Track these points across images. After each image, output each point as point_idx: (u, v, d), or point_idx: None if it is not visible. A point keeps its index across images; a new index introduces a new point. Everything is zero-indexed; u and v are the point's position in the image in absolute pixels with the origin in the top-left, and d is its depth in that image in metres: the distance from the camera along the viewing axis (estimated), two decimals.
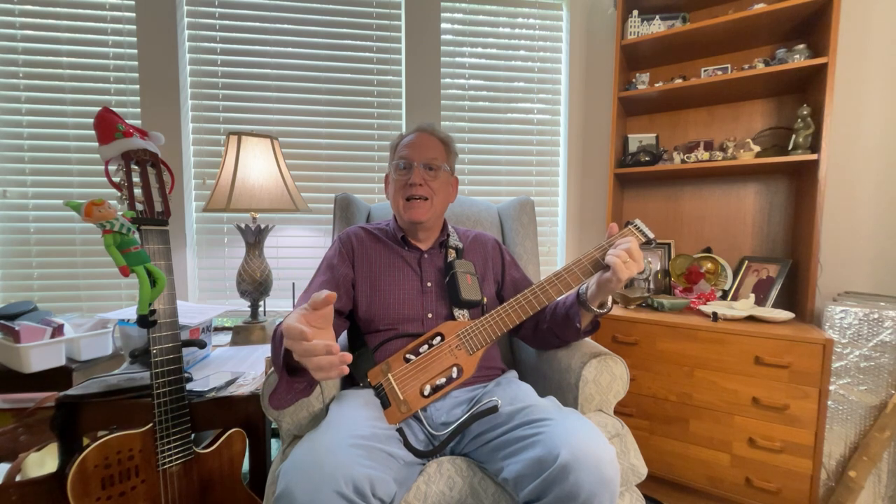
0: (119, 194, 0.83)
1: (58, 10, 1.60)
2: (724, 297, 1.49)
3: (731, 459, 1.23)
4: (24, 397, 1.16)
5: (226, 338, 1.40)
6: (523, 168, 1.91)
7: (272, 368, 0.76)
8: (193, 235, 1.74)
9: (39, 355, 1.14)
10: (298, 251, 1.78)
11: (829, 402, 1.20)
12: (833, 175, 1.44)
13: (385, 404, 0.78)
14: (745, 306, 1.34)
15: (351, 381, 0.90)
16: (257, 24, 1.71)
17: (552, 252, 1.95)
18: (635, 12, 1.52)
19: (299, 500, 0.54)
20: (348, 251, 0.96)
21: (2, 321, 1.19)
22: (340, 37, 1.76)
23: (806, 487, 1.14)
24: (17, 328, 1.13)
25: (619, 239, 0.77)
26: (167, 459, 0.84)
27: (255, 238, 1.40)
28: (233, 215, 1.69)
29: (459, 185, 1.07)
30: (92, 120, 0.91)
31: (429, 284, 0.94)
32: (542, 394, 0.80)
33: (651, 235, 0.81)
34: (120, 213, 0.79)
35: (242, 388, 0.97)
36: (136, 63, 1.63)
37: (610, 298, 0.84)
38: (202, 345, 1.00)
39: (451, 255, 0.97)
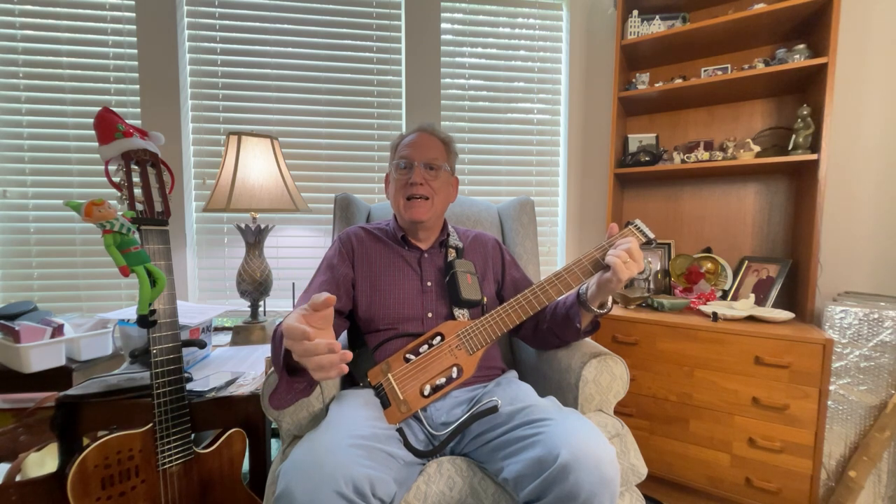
0: (119, 194, 0.83)
1: (58, 10, 1.60)
2: (724, 297, 1.49)
3: (731, 459, 1.23)
4: (24, 397, 1.16)
5: (226, 338, 1.40)
6: (523, 168, 1.91)
7: (272, 368, 0.76)
8: (193, 235, 1.74)
9: (39, 355, 1.14)
10: (298, 251, 1.78)
11: (829, 402, 1.20)
12: (833, 175, 1.44)
13: (385, 404, 0.78)
14: (745, 306, 1.34)
15: (351, 381, 0.90)
16: (257, 24, 1.71)
17: (552, 252, 1.95)
18: (635, 12, 1.52)
19: (299, 500, 0.54)
20: (348, 251, 0.96)
21: (2, 321, 1.19)
22: (340, 37, 1.76)
23: (806, 487, 1.14)
24: (17, 328, 1.13)
25: (620, 239, 0.78)
26: (167, 459, 0.84)
27: (255, 238, 1.40)
28: (233, 215, 1.69)
29: (459, 185, 1.07)
30: (92, 120, 0.91)
31: (429, 284, 0.94)
32: (542, 394, 0.80)
33: (651, 236, 0.81)
34: (120, 213, 0.79)
35: (242, 388, 0.97)
36: (136, 63, 1.63)
37: (610, 298, 0.84)
38: (202, 345, 1.00)
39: (452, 254, 0.97)
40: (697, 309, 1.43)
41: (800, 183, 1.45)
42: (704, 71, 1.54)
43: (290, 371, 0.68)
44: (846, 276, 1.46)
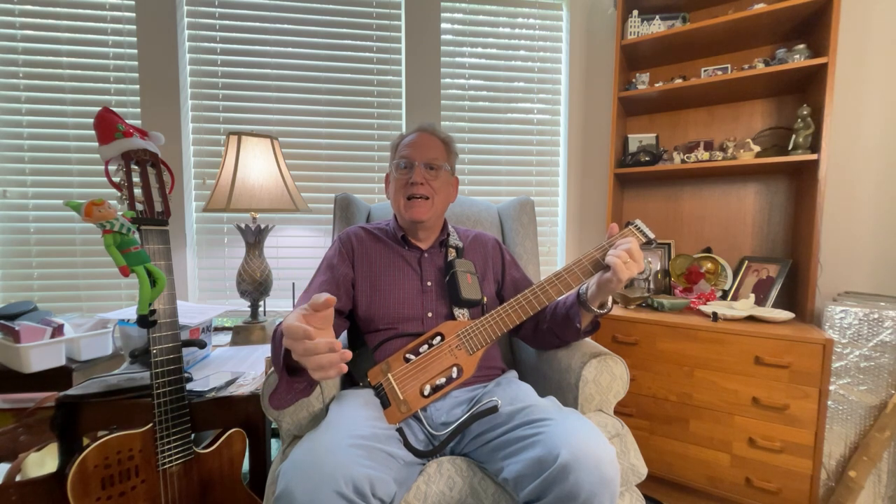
0: (119, 194, 0.83)
1: (58, 10, 1.60)
2: (724, 297, 1.49)
3: (731, 459, 1.23)
4: (24, 397, 1.16)
5: (226, 338, 1.40)
6: (523, 168, 1.91)
7: (272, 368, 0.76)
8: (193, 235, 1.74)
9: (39, 355, 1.14)
10: (298, 251, 1.78)
11: (829, 402, 1.20)
12: (833, 175, 1.44)
13: (385, 404, 0.78)
14: (745, 306, 1.34)
15: (351, 381, 0.90)
16: (257, 24, 1.71)
17: (552, 252, 1.95)
18: (635, 12, 1.52)
19: (299, 500, 0.54)
20: (348, 251, 0.96)
21: (2, 321, 1.19)
22: (340, 37, 1.76)
23: (806, 487, 1.14)
24: (17, 328, 1.13)
25: (620, 239, 0.77)
26: (167, 459, 0.84)
27: (255, 238, 1.40)
28: (233, 215, 1.69)
29: (459, 185, 1.07)
30: (92, 120, 0.91)
31: (429, 284, 0.94)
32: (542, 394, 0.80)
33: (651, 236, 0.81)
34: (120, 213, 0.79)
35: (242, 388, 0.97)
36: (136, 63, 1.63)
37: (610, 298, 0.84)
38: (202, 345, 1.00)
39: (452, 254, 0.97)
40: (697, 309, 1.43)
41: (800, 183, 1.45)
42: (704, 71, 1.54)
43: (289, 371, 0.68)
44: (846, 276, 1.46)
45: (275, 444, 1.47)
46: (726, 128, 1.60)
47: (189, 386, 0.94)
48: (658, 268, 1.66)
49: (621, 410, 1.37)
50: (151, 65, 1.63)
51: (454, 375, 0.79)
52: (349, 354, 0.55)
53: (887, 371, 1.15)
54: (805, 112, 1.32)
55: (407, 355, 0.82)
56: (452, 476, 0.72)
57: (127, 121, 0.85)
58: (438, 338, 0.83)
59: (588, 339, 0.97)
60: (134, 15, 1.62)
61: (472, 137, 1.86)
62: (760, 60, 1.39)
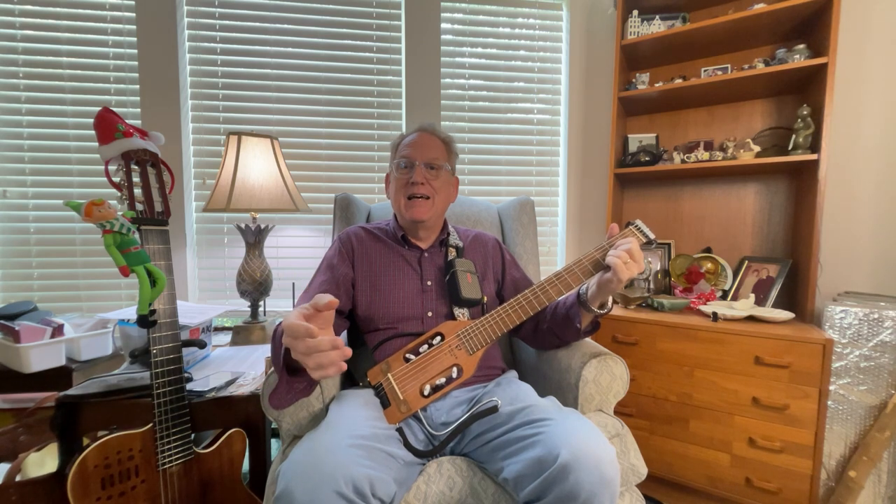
0: (119, 194, 0.83)
1: (58, 10, 1.60)
2: (724, 297, 1.49)
3: (731, 459, 1.23)
4: (24, 397, 1.16)
5: (226, 338, 1.40)
6: (523, 168, 1.91)
7: (272, 368, 0.76)
8: (193, 235, 1.74)
9: (39, 355, 1.14)
10: (298, 251, 1.78)
11: (829, 402, 1.20)
12: (833, 175, 1.44)
13: (385, 404, 0.78)
14: (745, 306, 1.34)
15: (351, 381, 0.90)
16: (257, 24, 1.71)
17: (552, 252, 1.95)
18: (635, 12, 1.52)
19: (299, 500, 0.54)
20: (348, 251, 0.96)
21: (2, 321, 1.19)
22: (340, 37, 1.76)
23: (806, 487, 1.14)
24: (17, 328, 1.13)
25: (620, 239, 0.77)
26: (167, 459, 0.84)
27: (255, 238, 1.40)
28: (233, 215, 1.69)
29: (459, 185, 1.07)
30: (92, 120, 0.91)
31: (429, 283, 0.94)
32: (542, 394, 0.80)
33: (652, 236, 0.81)
34: (120, 213, 0.79)
35: (242, 388, 0.97)
36: (136, 63, 1.63)
37: (610, 299, 0.84)
38: (202, 345, 1.00)
39: (452, 253, 0.98)
40: (697, 309, 1.43)
41: (800, 183, 1.45)
42: (704, 71, 1.54)
43: (289, 371, 0.68)
44: (846, 276, 1.46)
45: (275, 444, 1.47)
46: (726, 128, 1.60)
47: (189, 386, 0.94)
48: (658, 268, 1.66)
49: (621, 410, 1.37)
50: (151, 65, 1.63)
51: (454, 375, 0.79)
52: (349, 352, 0.56)
53: (887, 371, 1.15)
54: (805, 112, 1.32)
55: (407, 355, 0.82)
56: (452, 476, 0.72)
57: (127, 121, 0.86)
58: (438, 338, 0.83)
59: (588, 339, 0.97)
60: (134, 15, 1.62)
61: (472, 137, 1.86)
62: (760, 60, 1.39)
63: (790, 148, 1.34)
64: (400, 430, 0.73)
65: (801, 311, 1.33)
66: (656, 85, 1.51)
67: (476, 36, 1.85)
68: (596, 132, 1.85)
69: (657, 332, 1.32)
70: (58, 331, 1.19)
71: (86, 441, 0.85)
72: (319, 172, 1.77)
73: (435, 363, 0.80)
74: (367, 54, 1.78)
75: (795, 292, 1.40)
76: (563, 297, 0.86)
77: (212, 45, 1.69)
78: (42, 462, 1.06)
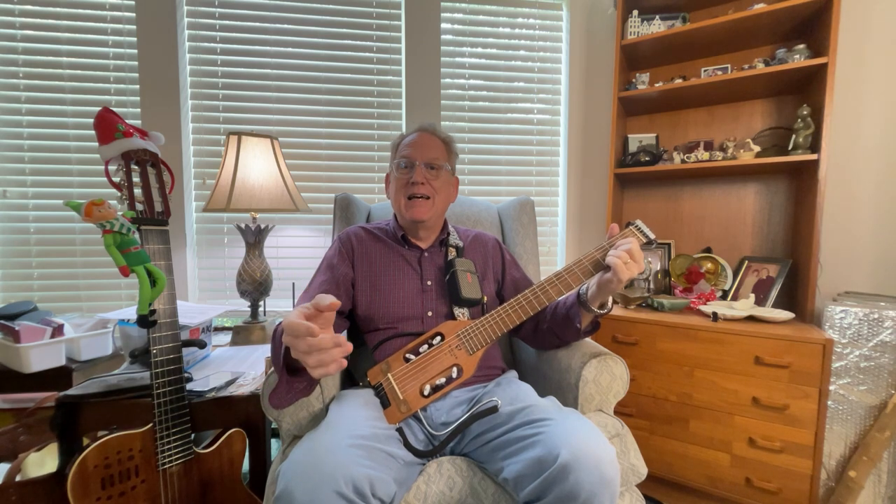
0: (119, 194, 0.83)
1: (58, 10, 1.60)
2: (724, 297, 1.49)
3: (731, 459, 1.23)
4: (24, 397, 1.16)
5: (226, 338, 1.40)
6: (523, 168, 1.91)
7: (272, 368, 0.76)
8: (193, 235, 1.74)
9: (39, 355, 1.14)
10: (298, 251, 1.78)
11: (829, 402, 1.20)
12: (833, 175, 1.44)
13: (385, 404, 0.78)
14: (745, 306, 1.34)
15: (351, 381, 0.90)
16: (257, 24, 1.71)
17: (552, 252, 1.95)
18: (635, 12, 1.52)
19: (299, 500, 0.54)
20: (348, 251, 0.97)
21: (2, 321, 1.19)
22: (340, 37, 1.76)
23: (806, 487, 1.14)
24: (17, 328, 1.13)
25: (620, 239, 0.77)
26: (167, 459, 0.84)
27: (255, 238, 1.40)
28: (233, 215, 1.69)
29: (459, 185, 1.07)
30: (92, 120, 0.91)
31: (429, 283, 0.94)
32: (542, 394, 0.80)
33: (652, 236, 0.81)
34: (120, 213, 0.79)
35: (242, 388, 0.97)
36: (136, 63, 1.63)
37: (610, 299, 0.84)
38: (202, 345, 1.00)
39: (452, 253, 0.98)
40: (697, 309, 1.43)
41: (800, 183, 1.45)
42: (704, 71, 1.54)
43: (290, 371, 0.68)
44: (846, 276, 1.46)
45: (275, 444, 1.47)
46: (726, 128, 1.60)
47: (189, 386, 0.94)
48: (658, 268, 1.66)
49: (621, 410, 1.37)
50: (151, 65, 1.63)
51: (454, 375, 0.79)
52: (350, 346, 0.56)
53: (887, 371, 1.15)
54: (805, 112, 1.32)
55: (407, 355, 0.82)
56: (452, 476, 0.72)
57: (127, 121, 0.86)
58: (438, 338, 0.83)
59: (588, 339, 0.97)
60: (134, 15, 1.62)
61: (472, 137, 1.86)
62: (760, 60, 1.39)
63: (790, 148, 1.34)
64: (400, 430, 0.73)
65: (801, 311, 1.33)
66: (656, 85, 1.51)
67: (476, 36, 1.85)
68: (596, 132, 1.85)
69: (657, 332, 1.32)
70: (58, 331, 1.19)
71: (86, 441, 0.85)
72: (319, 172, 1.77)
73: (435, 363, 0.80)
74: (367, 54, 1.78)
75: (795, 292, 1.40)
76: (563, 297, 0.86)
77: (212, 45, 1.69)
78: (42, 462, 1.06)
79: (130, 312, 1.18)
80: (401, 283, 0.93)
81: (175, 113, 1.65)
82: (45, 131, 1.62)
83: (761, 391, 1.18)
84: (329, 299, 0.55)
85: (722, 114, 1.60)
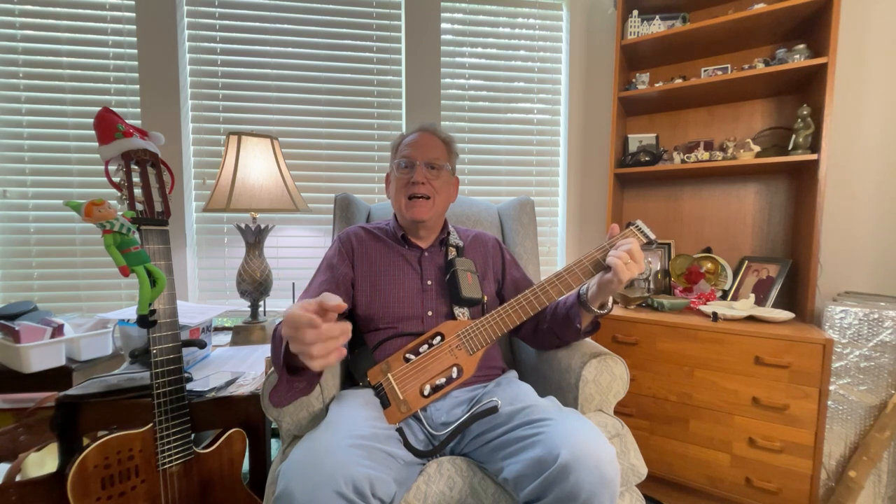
0: (119, 194, 0.83)
1: (58, 10, 1.60)
2: (724, 297, 1.49)
3: (731, 459, 1.23)
4: (24, 397, 1.16)
5: (226, 338, 1.40)
6: (523, 168, 1.91)
7: (272, 368, 0.76)
8: (193, 235, 1.74)
9: (39, 355, 1.14)
10: (298, 251, 1.78)
11: (829, 402, 1.20)
12: (833, 175, 1.44)
13: (385, 404, 0.78)
14: (745, 306, 1.34)
15: (351, 381, 0.90)
16: (257, 24, 1.71)
17: (552, 252, 1.95)
18: (635, 12, 1.52)
19: (299, 500, 0.54)
20: (348, 251, 0.97)
21: (2, 321, 1.19)
22: (340, 37, 1.76)
23: (806, 487, 1.14)
24: (17, 328, 1.13)
25: (621, 240, 0.77)
26: (167, 459, 0.84)
27: (255, 238, 1.40)
28: (233, 215, 1.69)
29: (459, 185, 1.07)
30: (92, 120, 0.91)
31: (429, 283, 0.94)
32: (542, 394, 0.80)
33: (652, 236, 0.81)
34: (120, 213, 0.79)
35: (242, 388, 0.97)
36: (136, 63, 1.63)
37: (610, 299, 0.84)
38: (202, 345, 1.00)
39: (452, 252, 0.98)
40: (697, 309, 1.43)
41: (800, 183, 1.45)
42: (704, 71, 1.54)
43: (290, 370, 0.68)
44: (846, 276, 1.46)
45: (275, 444, 1.47)
46: (726, 128, 1.60)
47: (189, 386, 0.94)
48: (658, 268, 1.66)
49: (621, 410, 1.37)
50: (151, 65, 1.63)
51: (454, 375, 0.79)
52: (349, 328, 0.55)
53: (887, 371, 1.15)
54: (805, 112, 1.32)
55: (407, 355, 0.82)
56: (452, 476, 0.72)
57: (127, 121, 0.85)
58: (438, 338, 0.83)
59: (588, 339, 0.97)
60: (134, 15, 1.62)
61: (472, 137, 1.86)
62: (760, 60, 1.39)
63: (790, 148, 1.34)
64: (400, 430, 0.73)
65: (801, 311, 1.33)
66: (656, 85, 1.51)
67: (476, 36, 1.85)
68: (596, 132, 1.85)
69: (657, 332, 1.32)
70: (58, 331, 1.19)
71: (86, 441, 0.85)
72: (319, 172, 1.77)
73: (435, 363, 0.80)
74: (367, 54, 1.78)
75: (795, 292, 1.40)
76: (564, 297, 0.86)
77: (212, 45, 1.69)
78: (42, 462, 1.06)
79: (130, 312, 1.18)
80: (401, 282, 0.93)
81: (175, 113, 1.65)
82: (45, 131, 1.62)
83: (761, 391, 1.18)
84: (335, 300, 0.55)
85: (722, 114, 1.60)
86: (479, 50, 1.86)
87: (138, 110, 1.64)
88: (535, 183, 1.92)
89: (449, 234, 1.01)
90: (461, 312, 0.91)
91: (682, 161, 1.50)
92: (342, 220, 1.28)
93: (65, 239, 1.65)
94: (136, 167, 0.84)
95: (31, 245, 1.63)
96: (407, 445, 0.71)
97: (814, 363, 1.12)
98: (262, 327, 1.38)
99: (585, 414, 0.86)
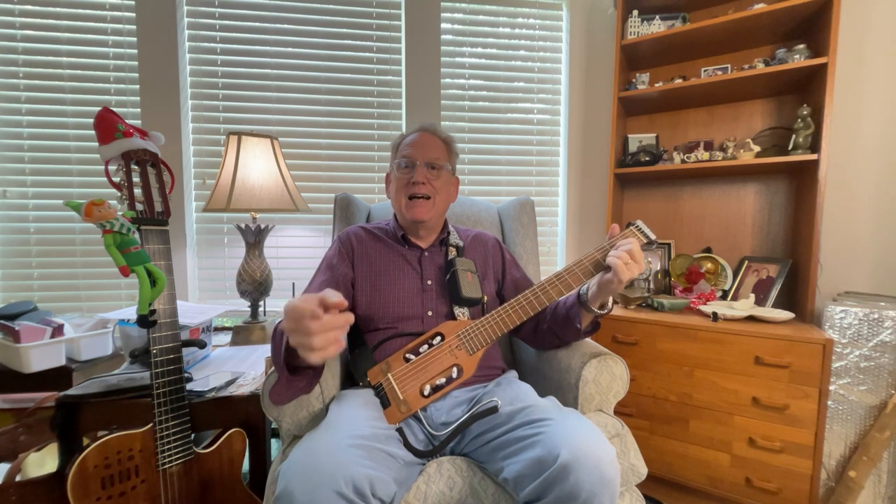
0: (119, 194, 0.83)
1: (58, 10, 1.60)
2: (724, 297, 1.49)
3: (731, 459, 1.23)
4: (24, 397, 1.16)
5: (226, 338, 1.40)
6: (523, 168, 1.91)
7: (272, 368, 0.76)
8: (193, 235, 1.74)
9: (39, 355, 1.14)
10: (298, 251, 1.78)
11: (829, 402, 1.20)
12: (833, 175, 1.44)
13: (385, 404, 0.78)
14: (745, 306, 1.34)
15: (351, 381, 0.90)
16: (257, 24, 1.71)
17: (552, 252, 1.95)
18: (635, 12, 1.52)
19: (299, 500, 0.54)
20: (348, 251, 0.97)
21: (2, 321, 1.19)
22: (340, 37, 1.76)
23: (806, 487, 1.14)
24: (17, 328, 1.13)
25: (621, 240, 0.77)
26: (167, 459, 0.84)
27: (255, 238, 1.40)
28: (233, 215, 1.69)
29: (459, 185, 1.07)
30: (92, 120, 0.91)
31: (429, 282, 0.94)
32: (542, 394, 0.80)
33: (652, 237, 0.81)
34: (120, 213, 0.79)
35: (242, 388, 0.97)
36: (136, 63, 1.63)
37: (610, 299, 0.84)
38: (202, 345, 1.00)
39: (452, 252, 0.98)
40: (697, 309, 1.43)
41: (800, 183, 1.45)
42: (704, 71, 1.54)
43: (289, 370, 0.68)
44: (846, 276, 1.46)
45: (275, 444, 1.47)
46: (726, 128, 1.60)
47: (189, 386, 0.94)
48: (658, 268, 1.66)
49: (621, 410, 1.37)
50: (151, 65, 1.63)
51: (454, 375, 0.79)
52: (352, 317, 0.56)
53: (887, 371, 1.15)
54: (805, 112, 1.32)
55: (407, 355, 0.82)
56: (452, 476, 0.72)
57: (127, 121, 0.85)
58: (438, 338, 0.83)
59: (588, 339, 0.97)
60: (134, 15, 1.62)
61: (472, 137, 1.86)
62: (760, 60, 1.39)
63: (790, 148, 1.34)
64: (400, 430, 0.73)
65: (801, 311, 1.33)
66: (656, 85, 1.51)
67: (476, 36, 1.85)
68: (596, 132, 1.85)
69: (657, 332, 1.32)
70: (58, 331, 1.19)
71: (86, 441, 0.85)
72: (319, 172, 1.77)
73: (435, 363, 0.80)
74: (367, 54, 1.78)
75: (795, 292, 1.40)
76: (564, 297, 0.86)
77: (212, 45, 1.69)
78: (42, 462, 1.06)
79: (130, 312, 1.18)
80: (401, 282, 0.93)
81: (175, 113, 1.65)
82: (45, 131, 1.62)
83: (761, 391, 1.18)
84: (337, 296, 0.55)
85: (722, 114, 1.60)
86: (479, 50, 1.86)
87: (138, 110, 1.64)
88: (535, 183, 1.92)
89: (449, 233, 1.01)
90: (461, 312, 0.91)
91: (682, 161, 1.50)
92: (342, 220, 1.28)
93: (65, 239, 1.65)
94: (136, 167, 0.84)
95: (31, 245, 1.63)
96: (407, 445, 0.71)
97: (814, 363, 1.12)
98: (262, 327, 1.38)
99: (585, 414, 0.86)
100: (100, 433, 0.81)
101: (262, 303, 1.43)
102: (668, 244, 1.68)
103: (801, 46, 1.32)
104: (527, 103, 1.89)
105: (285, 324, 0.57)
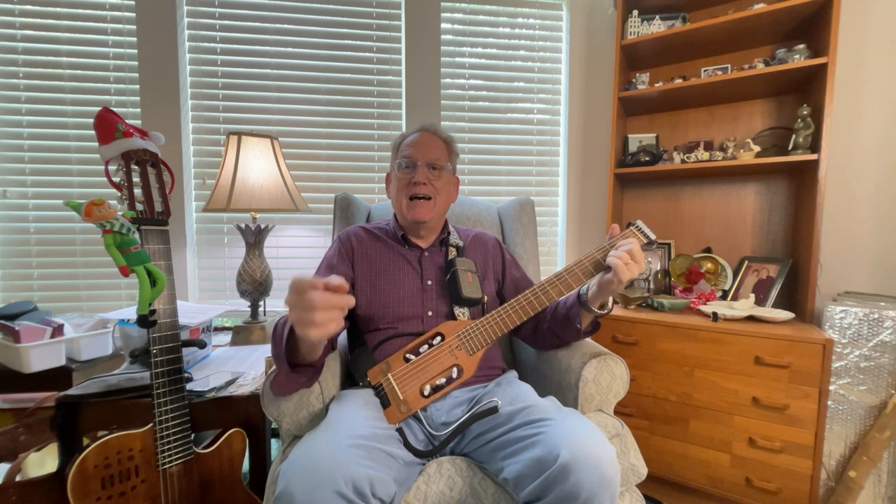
0: (119, 194, 0.83)
1: (58, 10, 1.60)
2: (724, 297, 1.49)
3: (731, 459, 1.23)
4: (24, 397, 1.16)
5: (226, 338, 1.40)
6: (523, 168, 1.91)
7: (273, 368, 0.76)
8: (193, 235, 1.74)
9: (39, 355, 1.14)
10: (298, 251, 1.78)
11: (829, 402, 1.20)
12: (833, 175, 1.44)
13: (385, 404, 0.78)
14: (745, 306, 1.34)
15: (351, 381, 0.90)
16: (257, 24, 1.71)
17: (552, 252, 1.95)
18: (635, 12, 1.52)
19: (299, 500, 0.54)
20: (348, 251, 0.97)
21: (2, 321, 1.19)
22: (340, 37, 1.76)
23: (806, 487, 1.14)
24: (17, 328, 1.13)
25: (621, 240, 0.77)
26: (167, 459, 0.84)
27: (255, 238, 1.40)
28: (233, 215, 1.69)
29: (459, 185, 1.07)
30: (92, 120, 0.91)
31: (429, 282, 0.94)
32: (542, 394, 0.80)
33: (653, 237, 0.81)
34: (120, 213, 0.79)
35: (242, 388, 0.97)
36: (136, 63, 1.63)
37: (611, 299, 0.84)
38: (202, 345, 1.00)
39: (452, 252, 0.98)
40: (697, 309, 1.43)
41: (800, 183, 1.45)
42: (704, 71, 1.54)
43: (290, 366, 0.69)
44: (846, 276, 1.46)
45: (275, 444, 1.47)
46: (726, 128, 1.60)
47: (189, 386, 0.94)
48: (658, 268, 1.66)
49: (621, 410, 1.37)
50: (151, 65, 1.63)
51: (454, 375, 0.79)
52: (352, 300, 0.58)
53: (887, 371, 1.15)
54: (805, 112, 1.32)
55: (407, 355, 0.82)
56: (452, 476, 0.72)
57: (127, 121, 0.85)
58: (439, 338, 0.83)
59: (588, 339, 0.97)
60: (134, 15, 1.62)
61: (472, 137, 1.86)
62: (760, 60, 1.39)
63: (790, 148, 1.34)
64: (400, 430, 0.73)
65: (801, 311, 1.33)
66: (656, 85, 1.51)
67: (476, 36, 1.85)
68: (596, 132, 1.85)
69: (657, 332, 1.32)
70: (58, 331, 1.19)
71: (86, 441, 0.85)
72: (319, 172, 1.77)
73: (435, 363, 0.80)
74: (367, 54, 1.78)
75: (795, 292, 1.40)
76: (564, 297, 0.86)
77: (212, 45, 1.69)
78: (42, 462, 1.06)
79: (130, 312, 1.18)
80: (401, 282, 0.93)
81: (175, 113, 1.65)
82: (45, 131, 1.62)
83: (761, 391, 1.18)
84: (338, 279, 0.57)
85: (722, 114, 1.60)
86: (479, 50, 1.86)
87: (138, 110, 1.64)
88: (535, 183, 1.92)
89: (449, 233, 1.01)
90: (461, 312, 0.91)
91: (682, 161, 1.50)
92: (342, 220, 1.28)
93: (65, 239, 1.65)
94: (136, 167, 0.84)
95: (31, 245, 1.63)
96: (407, 445, 0.71)
97: (814, 363, 1.12)
98: (262, 327, 1.38)
99: (585, 414, 0.86)
100: (100, 433, 0.81)
101: (262, 303, 1.43)
102: (668, 244, 1.68)
103: (801, 46, 1.32)
104: (527, 103, 1.89)
105: (288, 298, 0.58)
